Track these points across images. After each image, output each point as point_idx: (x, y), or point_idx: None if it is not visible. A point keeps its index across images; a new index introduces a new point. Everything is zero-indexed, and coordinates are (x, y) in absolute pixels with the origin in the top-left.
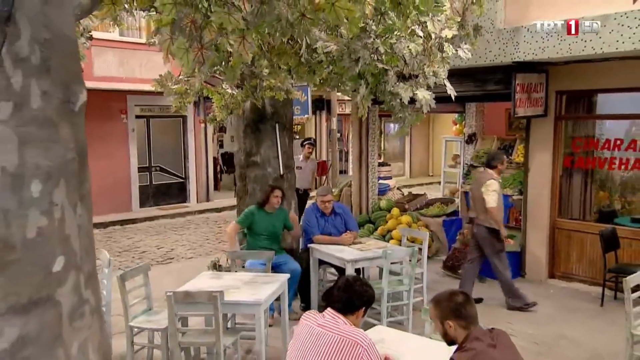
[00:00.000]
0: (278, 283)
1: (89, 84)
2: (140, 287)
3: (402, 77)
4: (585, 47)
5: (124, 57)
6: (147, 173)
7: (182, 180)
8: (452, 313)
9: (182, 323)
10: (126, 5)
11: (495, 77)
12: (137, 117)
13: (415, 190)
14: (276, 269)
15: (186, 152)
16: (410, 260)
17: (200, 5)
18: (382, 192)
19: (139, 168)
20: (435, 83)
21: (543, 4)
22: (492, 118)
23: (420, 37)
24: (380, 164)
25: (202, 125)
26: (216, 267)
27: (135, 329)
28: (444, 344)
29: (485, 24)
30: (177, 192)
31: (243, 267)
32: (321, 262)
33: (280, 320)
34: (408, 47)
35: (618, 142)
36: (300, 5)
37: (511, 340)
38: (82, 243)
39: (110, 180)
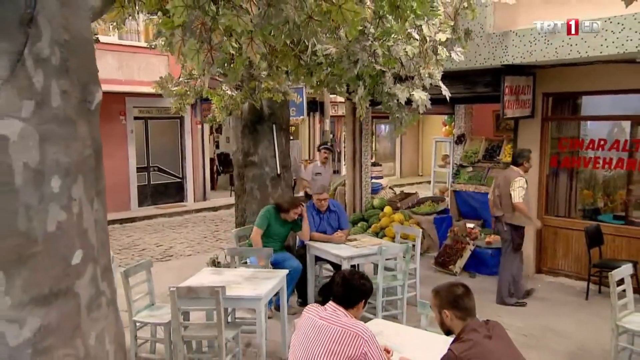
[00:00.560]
0: (277, 279)
1: None
2: (142, 283)
3: (398, 79)
4: (571, 50)
5: (123, 60)
6: (146, 173)
7: (179, 180)
8: (450, 303)
9: (184, 317)
10: (137, 8)
11: (484, 79)
12: (136, 118)
13: (406, 190)
14: (277, 266)
15: (183, 153)
16: (404, 257)
17: (208, 8)
18: (375, 191)
19: (137, 168)
20: (430, 84)
21: (530, 10)
22: (480, 119)
23: (417, 40)
24: (372, 164)
25: (199, 126)
26: (215, 264)
27: (139, 324)
28: (440, 336)
29: (475, 29)
30: (174, 191)
31: (245, 263)
32: (317, 259)
33: (277, 314)
34: (404, 49)
35: (602, 142)
36: (307, 7)
37: (506, 332)
38: (98, 237)
39: (110, 180)
